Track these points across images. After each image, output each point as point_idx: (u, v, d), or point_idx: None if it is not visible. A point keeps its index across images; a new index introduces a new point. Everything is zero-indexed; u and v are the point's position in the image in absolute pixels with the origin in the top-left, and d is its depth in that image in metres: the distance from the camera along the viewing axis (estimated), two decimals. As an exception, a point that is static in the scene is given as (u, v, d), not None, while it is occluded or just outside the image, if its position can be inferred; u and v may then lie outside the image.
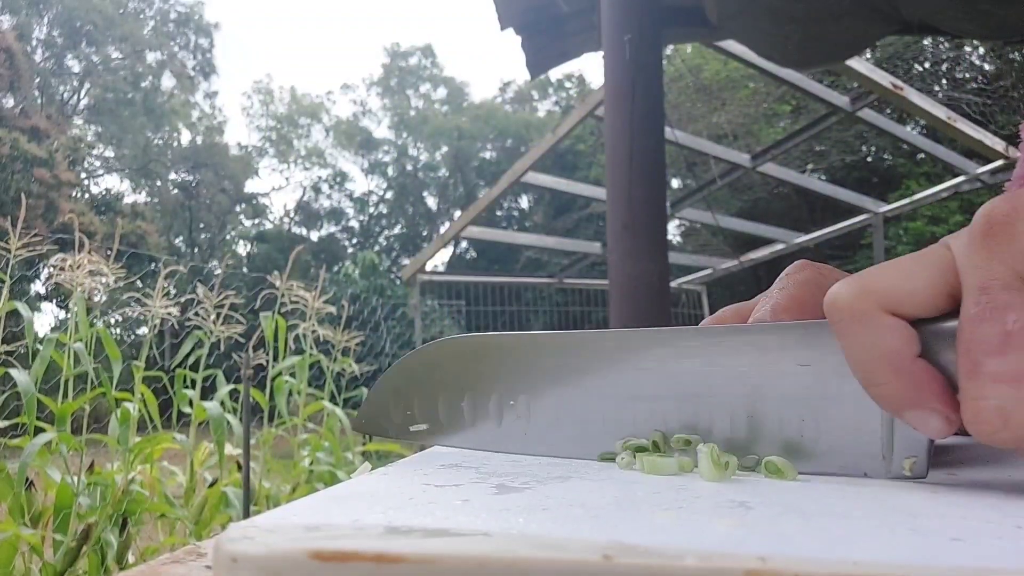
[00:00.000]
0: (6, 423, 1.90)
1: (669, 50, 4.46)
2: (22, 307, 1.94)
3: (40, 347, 1.94)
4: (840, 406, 0.31)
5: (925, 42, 7.13)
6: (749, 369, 0.32)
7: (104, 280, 2.15)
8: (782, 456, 0.31)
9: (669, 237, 4.38)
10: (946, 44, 7.38)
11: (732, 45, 3.27)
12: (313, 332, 2.68)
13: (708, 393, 0.33)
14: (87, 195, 19.01)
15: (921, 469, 0.29)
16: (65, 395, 1.98)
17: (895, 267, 0.28)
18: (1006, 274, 0.25)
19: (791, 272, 0.39)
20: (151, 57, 21.75)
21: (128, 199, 20.44)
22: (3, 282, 1.87)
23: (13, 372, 1.83)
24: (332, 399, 2.76)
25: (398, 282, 13.13)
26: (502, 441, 0.37)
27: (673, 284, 6.81)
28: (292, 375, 2.61)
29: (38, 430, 1.86)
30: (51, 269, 2.10)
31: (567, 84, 22.20)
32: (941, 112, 3.97)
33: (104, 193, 20.06)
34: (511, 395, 0.37)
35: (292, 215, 23.44)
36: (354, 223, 23.50)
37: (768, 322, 0.35)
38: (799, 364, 0.31)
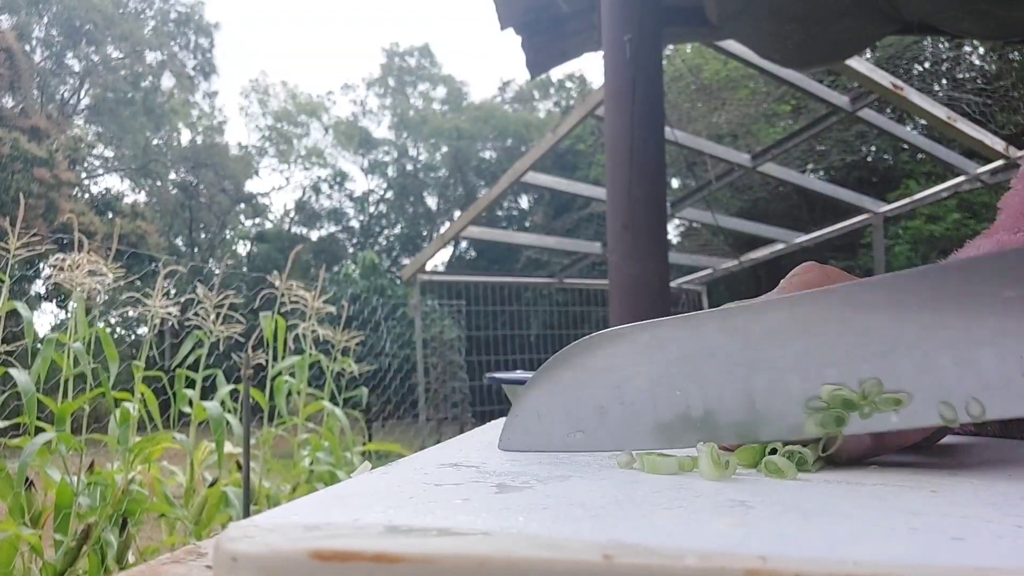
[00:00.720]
0: (6, 423, 1.90)
1: (669, 50, 4.46)
2: (22, 307, 1.94)
3: (40, 347, 1.94)
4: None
5: (925, 42, 7.13)
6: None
7: (103, 280, 2.14)
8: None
9: (669, 237, 4.39)
10: (946, 44, 7.38)
11: (732, 45, 3.27)
12: (313, 332, 2.68)
13: (893, 349, 0.31)
14: (87, 195, 19.01)
15: None
16: (65, 395, 1.98)
17: None
18: None
19: (798, 273, 0.39)
20: (151, 57, 21.74)
21: (128, 199, 20.43)
22: (2, 282, 1.87)
23: (13, 372, 1.83)
24: (332, 399, 2.76)
25: (398, 282, 13.12)
26: (670, 437, 0.35)
27: (673, 284, 6.81)
28: (292, 375, 2.61)
29: (38, 430, 1.86)
30: (51, 269, 2.10)
31: (568, 84, 22.20)
32: (941, 112, 3.97)
33: (104, 193, 20.05)
34: (675, 385, 0.35)
35: (292, 215, 23.44)
36: (354, 223, 23.49)
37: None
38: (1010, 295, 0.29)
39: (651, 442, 0.36)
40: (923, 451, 0.41)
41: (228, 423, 2.20)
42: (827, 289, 0.33)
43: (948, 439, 0.49)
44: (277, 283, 2.69)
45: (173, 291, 2.47)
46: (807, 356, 0.33)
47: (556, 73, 22.25)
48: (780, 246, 6.14)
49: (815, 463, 0.32)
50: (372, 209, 23.50)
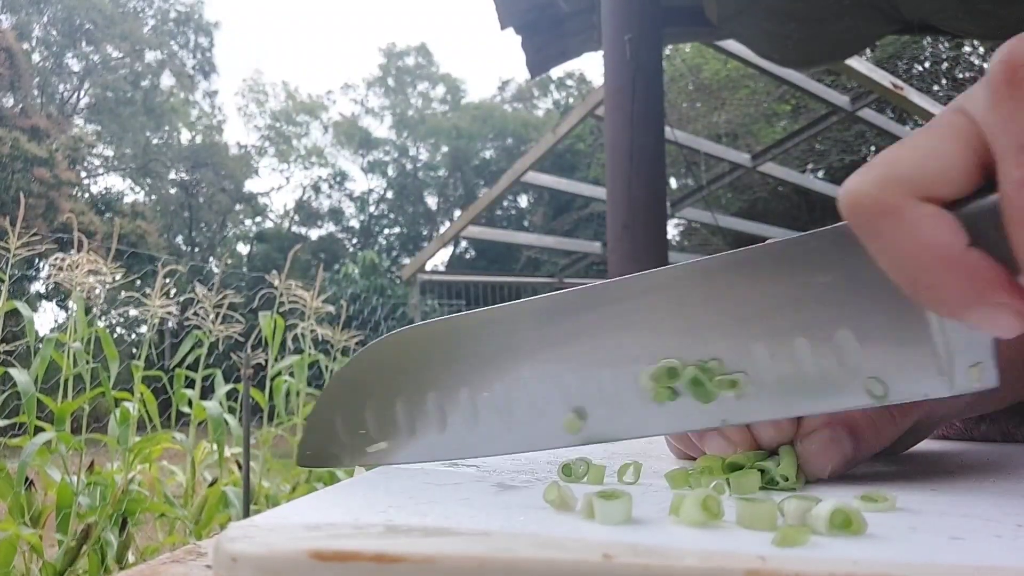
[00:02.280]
0: (6, 423, 1.90)
1: (669, 50, 4.46)
2: (22, 306, 1.94)
3: (40, 347, 1.94)
4: (878, 321, 0.26)
5: (925, 42, 7.13)
6: (762, 296, 0.28)
7: (103, 279, 2.14)
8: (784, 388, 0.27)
9: (669, 237, 4.39)
10: (946, 44, 7.38)
11: (732, 45, 3.27)
12: (312, 332, 2.68)
13: (724, 327, 0.28)
14: (87, 194, 19.01)
15: (990, 376, 0.25)
16: (65, 395, 1.98)
17: (912, 148, 0.23)
18: None
19: None
20: (151, 56, 21.74)
21: (128, 199, 20.44)
22: (2, 281, 1.87)
23: (13, 372, 1.83)
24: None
25: (398, 282, 13.13)
26: (480, 443, 0.32)
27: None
28: (291, 375, 2.61)
29: (38, 430, 1.86)
30: (51, 268, 2.10)
31: (568, 83, 22.20)
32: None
33: (104, 192, 20.06)
34: (484, 385, 0.31)
35: (292, 214, 23.44)
36: (354, 223, 23.49)
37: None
38: (821, 281, 0.27)
39: (460, 453, 0.32)
40: (923, 452, 0.41)
41: (227, 423, 2.20)
42: (631, 279, 0.30)
43: (949, 444, 0.49)
44: (276, 283, 2.69)
45: (173, 291, 2.47)
46: (626, 349, 0.30)
47: (556, 72, 22.26)
48: (780, 246, 6.14)
49: (798, 479, 0.30)
50: (372, 209, 23.50)
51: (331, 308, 2.85)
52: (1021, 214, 0.21)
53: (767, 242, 0.29)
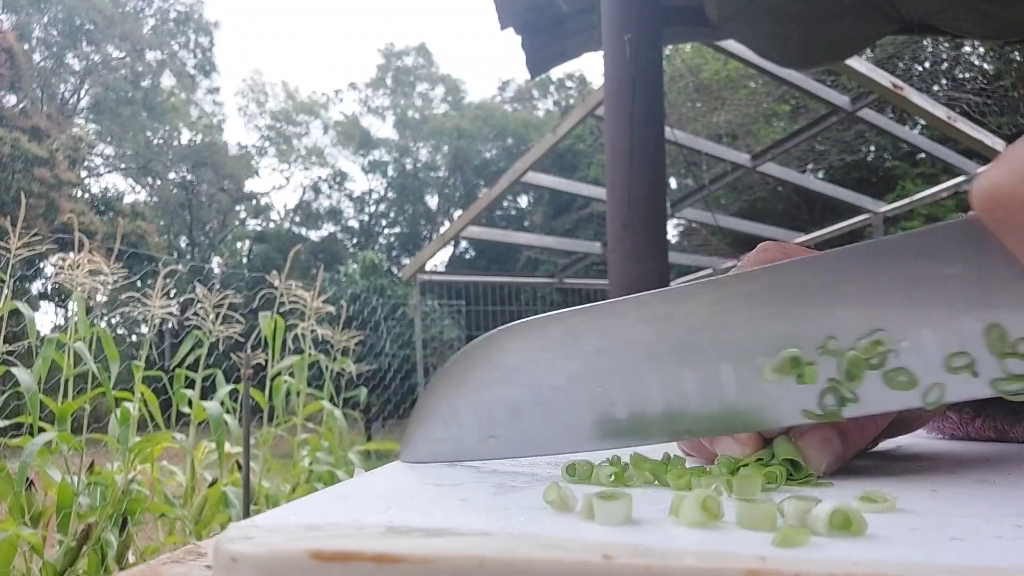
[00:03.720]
0: (6, 423, 1.90)
1: (669, 50, 4.46)
2: (23, 307, 1.94)
3: (41, 347, 1.94)
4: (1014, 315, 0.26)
5: (925, 42, 7.13)
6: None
7: (104, 279, 2.14)
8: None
9: (669, 237, 4.39)
10: (946, 44, 7.38)
11: (732, 45, 3.27)
12: (312, 332, 2.68)
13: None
14: (87, 194, 19.02)
15: None
16: (65, 395, 1.98)
17: None
18: None
19: (755, 252, 0.36)
20: (151, 56, 21.74)
21: (128, 198, 20.45)
22: (3, 282, 1.87)
23: (16, 371, 1.83)
24: (332, 399, 2.76)
25: (398, 282, 13.13)
26: (593, 437, 0.32)
27: (673, 284, 6.80)
28: (291, 375, 2.61)
29: (39, 430, 1.86)
30: (52, 268, 2.10)
31: (568, 84, 22.20)
32: (941, 112, 3.97)
33: (104, 192, 20.06)
34: (595, 380, 0.31)
35: (292, 215, 23.45)
36: (354, 223, 23.50)
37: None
38: (943, 271, 0.27)
39: (574, 445, 0.32)
40: (922, 452, 0.41)
41: (227, 424, 2.20)
42: (754, 271, 0.30)
43: (947, 444, 0.49)
44: (276, 283, 2.69)
45: (173, 291, 2.47)
46: (739, 342, 0.30)
47: (556, 73, 22.26)
48: (780, 246, 6.13)
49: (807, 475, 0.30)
50: (372, 209, 23.51)
51: (331, 308, 2.85)
52: None
53: (892, 236, 0.29)
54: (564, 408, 0.32)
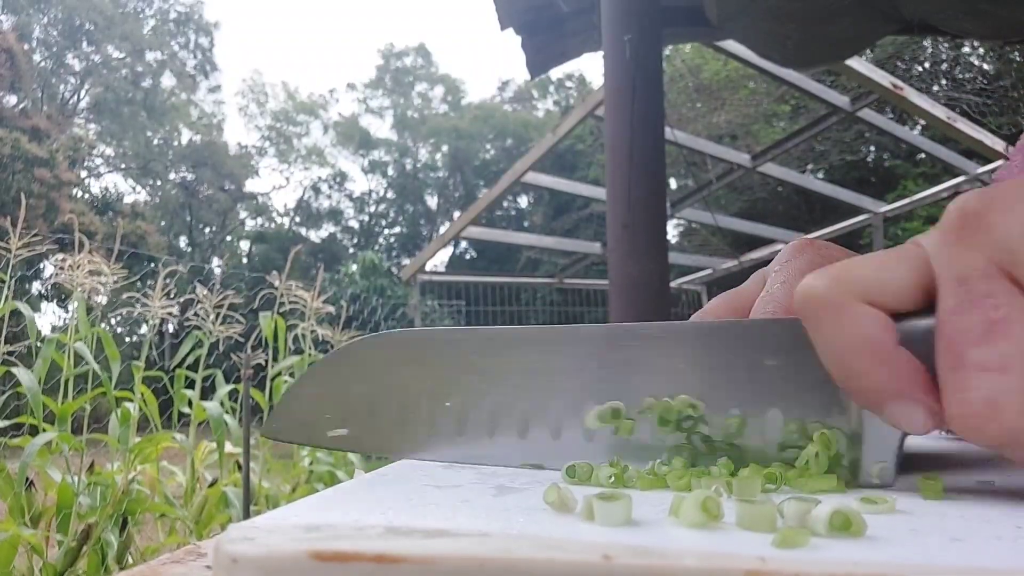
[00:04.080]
0: (6, 423, 1.90)
1: (668, 50, 4.46)
2: (23, 307, 1.94)
3: (41, 347, 1.94)
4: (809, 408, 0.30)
5: (925, 42, 7.13)
6: (696, 369, 0.31)
7: (104, 280, 2.15)
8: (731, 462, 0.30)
9: (669, 237, 4.39)
10: (946, 44, 7.39)
11: (732, 45, 3.27)
12: (312, 332, 2.68)
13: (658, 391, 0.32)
14: (87, 195, 19.02)
15: (889, 476, 0.28)
16: (65, 395, 1.98)
17: (868, 260, 0.27)
18: (983, 264, 0.24)
19: (790, 258, 0.37)
20: (151, 56, 21.76)
21: (128, 199, 20.45)
22: (3, 282, 1.87)
23: (17, 371, 1.83)
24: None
25: (398, 282, 13.13)
26: (434, 447, 0.35)
27: (673, 284, 6.81)
28: (291, 375, 2.61)
29: (39, 430, 1.86)
30: (52, 268, 2.10)
31: (567, 84, 22.20)
32: (941, 112, 3.97)
33: (104, 193, 20.07)
34: (446, 396, 0.34)
35: (292, 215, 23.45)
36: (354, 223, 23.51)
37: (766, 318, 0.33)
38: (764, 362, 0.30)
39: (416, 452, 0.35)
40: (922, 453, 0.41)
41: (227, 424, 2.21)
42: (605, 329, 0.33)
43: (947, 444, 0.49)
44: (276, 283, 2.69)
45: (173, 291, 2.47)
46: (574, 389, 0.33)
47: (556, 73, 22.25)
48: (780, 246, 6.13)
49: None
50: (372, 209, 23.52)
51: (331, 308, 2.85)
52: (949, 335, 0.24)
53: (722, 320, 0.33)
54: (415, 415, 0.35)
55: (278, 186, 27.47)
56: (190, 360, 2.38)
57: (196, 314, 2.44)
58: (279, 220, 23.33)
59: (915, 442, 0.47)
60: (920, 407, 0.25)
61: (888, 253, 0.27)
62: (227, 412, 2.28)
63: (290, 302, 2.70)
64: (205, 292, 2.44)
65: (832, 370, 0.27)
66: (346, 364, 0.36)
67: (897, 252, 0.27)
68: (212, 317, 2.43)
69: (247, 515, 2.04)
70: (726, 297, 0.39)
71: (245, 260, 20.67)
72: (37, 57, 19.74)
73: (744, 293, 0.38)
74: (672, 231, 12.28)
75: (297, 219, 23.35)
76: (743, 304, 0.38)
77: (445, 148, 22.85)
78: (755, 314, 0.35)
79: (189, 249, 21.04)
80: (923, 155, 6.99)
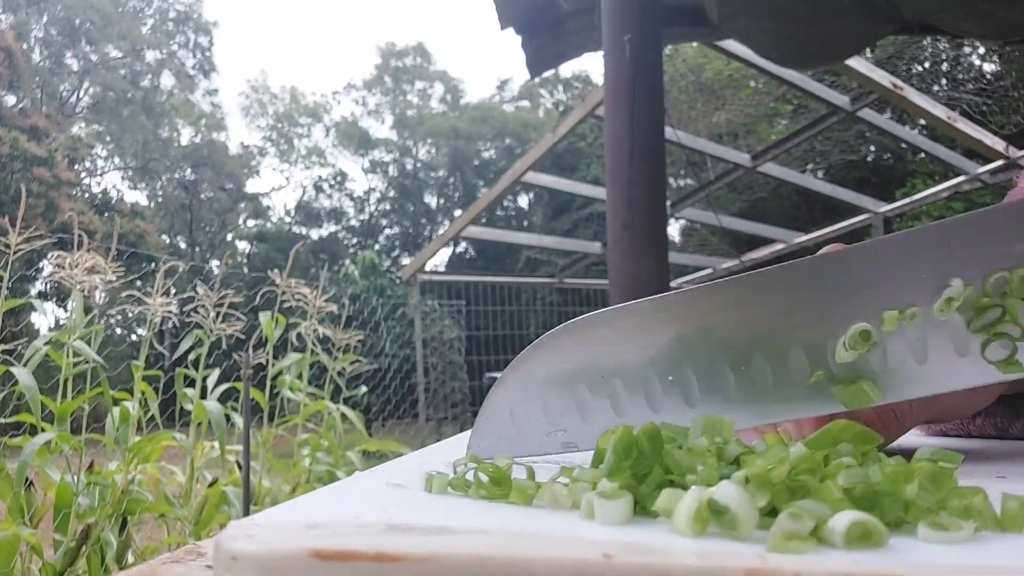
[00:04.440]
0: (6, 421, 1.90)
1: (669, 50, 4.46)
2: (36, 302, 1.94)
3: (41, 346, 1.94)
4: None
5: (925, 42, 7.13)
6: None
7: (103, 278, 2.14)
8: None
9: (669, 237, 4.38)
10: (946, 44, 7.38)
11: (733, 45, 3.27)
12: (314, 331, 2.68)
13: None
14: (87, 194, 19.01)
15: None
16: (64, 395, 1.97)
17: None
18: None
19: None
20: (150, 56, 21.74)
21: (128, 198, 20.45)
22: (2, 279, 1.86)
23: (15, 370, 1.82)
24: (333, 398, 2.76)
25: (398, 282, 13.12)
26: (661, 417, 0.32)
27: (673, 284, 6.81)
28: (294, 374, 2.61)
29: (38, 429, 1.86)
30: (51, 267, 2.10)
31: (575, 84, 22.17)
32: (941, 112, 3.96)
33: (104, 192, 20.06)
34: (668, 370, 0.32)
35: (292, 214, 23.45)
36: (354, 223, 23.50)
37: None
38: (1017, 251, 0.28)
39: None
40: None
41: (230, 421, 2.20)
42: (821, 256, 0.31)
43: (948, 441, 0.49)
44: (278, 281, 2.68)
45: (173, 290, 2.47)
46: (811, 327, 0.30)
47: (563, 71, 22.23)
48: (780, 246, 6.15)
49: None
50: (372, 209, 23.51)
51: (334, 307, 2.85)
52: None
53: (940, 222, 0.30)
54: (634, 399, 0.32)
55: (279, 186, 27.48)
56: (191, 358, 2.38)
57: (195, 311, 2.44)
58: (279, 220, 23.33)
59: (916, 441, 0.47)
60: None
61: None
62: (227, 411, 2.28)
63: (294, 300, 2.69)
64: (205, 290, 2.44)
65: None
66: (540, 363, 0.34)
67: None
68: (213, 316, 2.42)
69: (247, 515, 2.03)
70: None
71: (245, 260, 20.67)
72: (36, 56, 19.73)
73: None
74: (672, 231, 12.26)
75: (297, 218, 23.36)
76: None
77: (445, 148, 22.83)
78: None
79: (189, 249, 21.03)
80: (923, 155, 6.99)
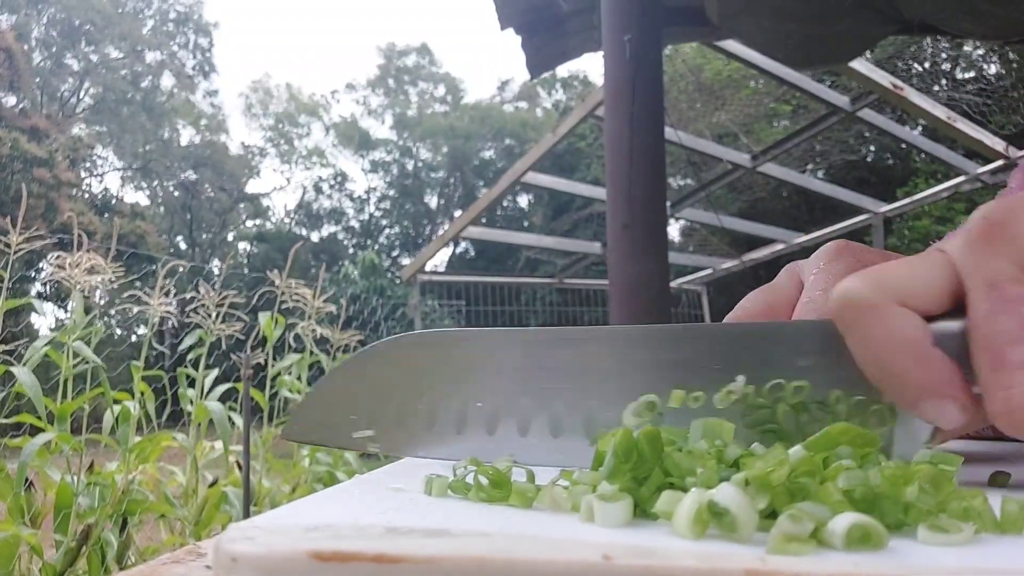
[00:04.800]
0: (6, 422, 1.90)
1: (669, 50, 4.46)
2: (36, 303, 1.93)
3: (42, 346, 1.94)
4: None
5: (925, 42, 7.13)
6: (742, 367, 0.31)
7: (103, 278, 2.14)
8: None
9: (669, 237, 4.39)
10: (946, 44, 7.38)
11: (733, 45, 3.27)
12: (313, 331, 2.68)
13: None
14: (87, 195, 19.01)
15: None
16: (64, 395, 1.97)
17: (900, 265, 0.28)
18: (1011, 269, 0.26)
19: (828, 260, 0.37)
20: (150, 56, 21.75)
21: (128, 199, 20.45)
22: (2, 279, 1.86)
23: (16, 370, 1.82)
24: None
25: (398, 282, 13.12)
26: (461, 449, 0.34)
27: (673, 284, 6.81)
28: (295, 376, 2.61)
29: (38, 430, 1.86)
30: (51, 267, 2.10)
31: (575, 84, 22.17)
32: (941, 112, 3.96)
33: (104, 193, 20.06)
34: (477, 397, 0.34)
35: (293, 215, 23.46)
36: (354, 223, 23.51)
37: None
38: (800, 366, 0.30)
39: (445, 453, 0.34)
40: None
41: (231, 421, 2.20)
42: (645, 328, 0.33)
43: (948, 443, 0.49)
44: (278, 281, 2.68)
45: (173, 290, 2.47)
46: (619, 394, 0.32)
47: (562, 72, 22.22)
48: (780, 246, 6.14)
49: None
50: (372, 209, 23.52)
51: (332, 308, 2.85)
52: (987, 337, 0.26)
53: (744, 322, 0.34)
54: (446, 418, 0.34)
55: (279, 187, 27.49)
56: (191, 357, 2.38)
57: (195, 311, 2.44)
58: (279, 220, 23.33)
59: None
60: (954, 403, 0.27)
61: (916, 259, 0.28)
62: (227, 412, 2.28)
63: (292, 300, 2.69)
64: (207, 289, 2.44)
65: (869, 369, 0.28)
66: (369, 366, 0.36)
67: (924, 257, 0.28)
68: (213, 316, 2.42)
69: (247, 515, 2.04)
70: (761, 294, 0.39)
71: (245, 260, 20.67)
72: (36, 57, 19.73)
73: (778, 289, 0.39)
74: (672, 231, 12.26)
75: (297, 219, 23.36)
76: (778, 300, 0.38)
77: (445, 148, 22.84)
78: (798, 315, 0.36)
79: (189, 249, 21.03)
80: (923, 155, 7.00)
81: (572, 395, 0.33)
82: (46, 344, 1.94)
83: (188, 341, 2.38)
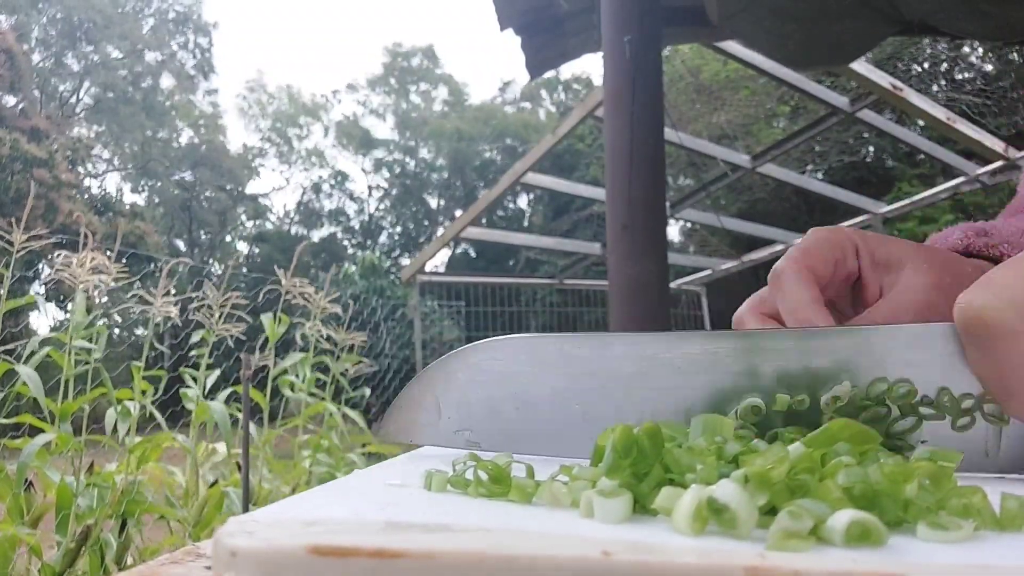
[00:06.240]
0: (6, 422, 1.90)
1: (668, 50, 4.46)
2: (40, 300, 1.93)
3: (41, 347, 1.94)
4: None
5: (924, 42, 7.13)
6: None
7: (105, 278, 2.14)
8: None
9: (669, 237, 4.39)
10: (946, 44, 7.38)
11: (732, 46, 3.27)
12: (317, 332, 2.68)
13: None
14: (87, 195, 19.01)
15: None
16: (65, 395, 1.97)
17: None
18: None
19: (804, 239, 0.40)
20: (150, 56, 21.74)
21: (128, 199, 20.45)
22: (2, 278, 1.86)
23: (20, 368, 1.82)
24: (335, 399, 2.75)
25: (398, 283, 13.11)
26: (552, 446, 0.35)
27: (673, 285, 6.81)
28: (298, 377, 2.61)
29: (38, 430, 1.86)
30: (51, 268, 2.09)
31: (575, 86, 22.15)
32: (940, 113, 3.96)
33: (104, 193, 20.05)
34: (570, 399, 0.35)
35: (292, 215, 23.45)
36: (354, 223, 23.49)
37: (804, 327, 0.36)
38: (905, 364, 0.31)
39: (542, 450, 0.35)
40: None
41: (235, 421, 2.20)
42: (750, 331, 0.34)
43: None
44: (283, 281, 2.68)
45: (173, 291, 2.47)
46: (715, 392, 0.33)
47: (564, 73, 22.19)
48: (779, 247, 6.14)
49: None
50: (372, 209, 23.51)
51: (338, 308, 2.85)
52: None
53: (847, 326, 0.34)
54: (544, 416, 0.35)
55: (278, 187, 27.46)
56: (194, 355, 2.38)
57: (198, 310, 2.43)
58: (279, 221, 23.32)
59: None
60: None
61: None
62: (235, 411, 2.28)
63: (300, 297, 2.69)
64: (212, 289, 2.43)
65: (990, 384, 0.28)
66: (462, 367, 0.37)
67: None
68: (216, 316, 2.42)
69: (247, 515, 2.03)
70: (754, 310, 0.41)
71: (245, 260, 20.66)
72: (36, 57, 19.72)
73: (768, 298, 0.41)
74: (672, 231, 12.26)
75: (297, 219, 23.35)
76: (771, 310, 0.40)
77: (446, 148, 22.83)
78: (774, 281, 0.39)
79: (189, 250, 21.02)
80: (922, 156, 6.99)
81: (672, 398, 0.33)
82: (44, 342, 1.94)
83: (194, 337, 2.38)
